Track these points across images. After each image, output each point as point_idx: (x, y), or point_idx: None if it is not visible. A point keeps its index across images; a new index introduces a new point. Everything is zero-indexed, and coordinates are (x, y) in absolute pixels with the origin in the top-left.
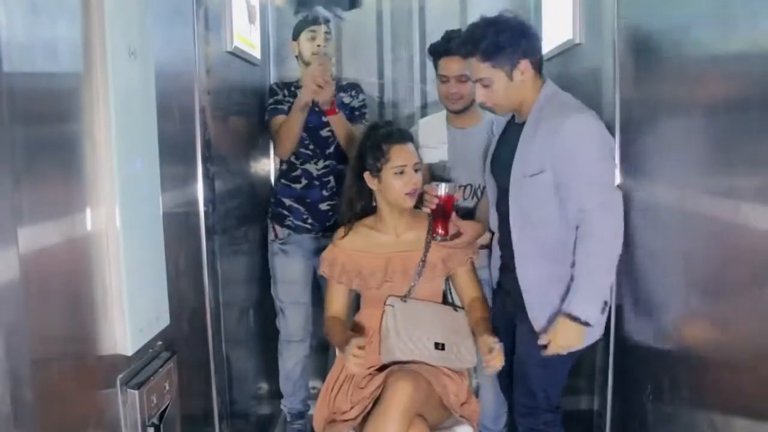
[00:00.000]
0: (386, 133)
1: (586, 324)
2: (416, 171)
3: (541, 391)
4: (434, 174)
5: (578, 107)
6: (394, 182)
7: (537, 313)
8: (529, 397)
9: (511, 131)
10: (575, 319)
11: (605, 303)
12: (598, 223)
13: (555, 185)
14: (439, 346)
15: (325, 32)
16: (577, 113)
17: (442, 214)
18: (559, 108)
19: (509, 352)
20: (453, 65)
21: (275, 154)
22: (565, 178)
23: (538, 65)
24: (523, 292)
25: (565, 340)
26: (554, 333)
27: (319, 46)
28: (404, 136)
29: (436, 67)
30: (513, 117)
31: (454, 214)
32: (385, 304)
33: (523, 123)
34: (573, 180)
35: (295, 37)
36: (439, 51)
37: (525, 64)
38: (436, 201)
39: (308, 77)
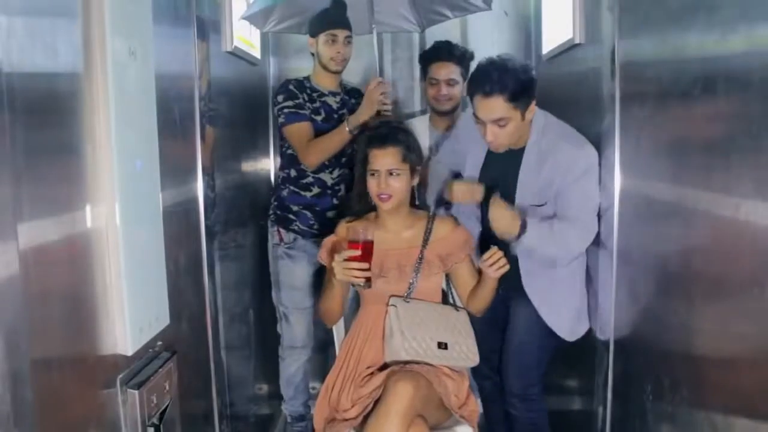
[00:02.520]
0: (370, 137)
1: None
2: (394, 175)
3: (537, 371)
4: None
5: (580, 138)
6: (369, 182)
7: (547, 310)
8: (524, 377)
9: (501, 157)
10: (523, 225)
11: (531, 247)
12: (569, 233)
13: (554, 211)
14: (443, 346)
15: (346, 37)
16: (585, 147)
17: (366, 257)
18: (560, 138)
19: (501, 332)
20: (443, 70)
21: (304, 162)
22: (565, 202)
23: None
24: (530, 297)
25: (503, 224)
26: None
27: (338, 52)
28: (386, 140)
29: (425, 72)
30: None
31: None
32: (387, 304)
33: (518, 150)
34: (572, 206)
35: (314, 34)
36: (430, 57)
37: (533, 105)
38: (360, 247)
39: (373, 101)
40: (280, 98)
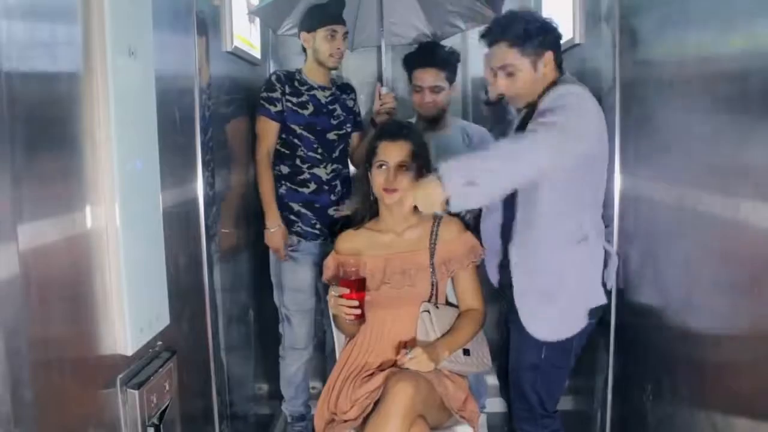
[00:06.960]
0: (381, 130)
1: (444, 189)
2: (403, 169)
3: (533, 395)
4: None
5: (572, 87)
6: (375, 175)
7: (527, 315)
8: (523, 401)
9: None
10: (436, 170)
11: (467, 182)
12: (526, 141)
13: None
14: (467, 352)
15: (345, 33)
16: (566, 87)
17: (356, 295)
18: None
19: (507, 353)
20: (426, 76)
21: (256, 154)
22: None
23: (558, 59)
24: (515, 293)
25: (422, 193)
26: (417, 186)
27: (338, 48)
28: (398, 133)
29: (410, 77)
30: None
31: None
32: (420, 310)
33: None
34: (540, 115)
35: (311, 29)
36: (414, 62)
37: (549, 56)
38: (350, 285)
39: (383, 107)
40: (261, 88)
